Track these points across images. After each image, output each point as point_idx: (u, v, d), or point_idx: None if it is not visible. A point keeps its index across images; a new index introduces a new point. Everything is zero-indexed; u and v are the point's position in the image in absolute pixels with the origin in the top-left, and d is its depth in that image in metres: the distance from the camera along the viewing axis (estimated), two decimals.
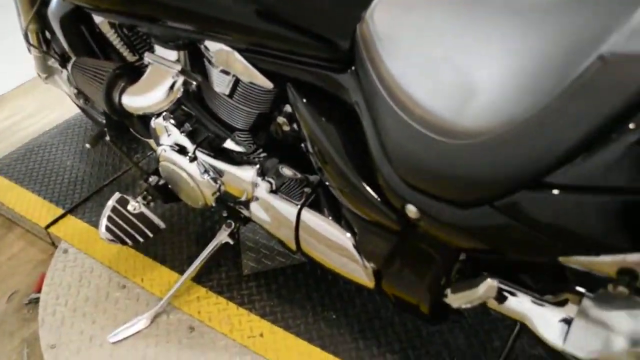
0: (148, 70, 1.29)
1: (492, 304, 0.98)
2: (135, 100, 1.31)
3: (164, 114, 1.35)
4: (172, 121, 1.35)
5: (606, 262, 0.74)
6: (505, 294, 0.95)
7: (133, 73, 1.35)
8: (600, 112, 0.66)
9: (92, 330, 1.43)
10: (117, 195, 1.44)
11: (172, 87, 1.23)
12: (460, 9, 0.90)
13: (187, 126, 1.34)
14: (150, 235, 1.47)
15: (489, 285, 0.92)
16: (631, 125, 0.64)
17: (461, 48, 0.85)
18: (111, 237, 1.42)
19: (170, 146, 1.36)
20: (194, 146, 1.32)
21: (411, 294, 1.05)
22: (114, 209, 1.42)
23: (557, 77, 0.72)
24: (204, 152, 1.31)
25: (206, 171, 1.32)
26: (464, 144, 0.78)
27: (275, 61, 1.04)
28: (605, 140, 0.66)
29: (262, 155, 1.27)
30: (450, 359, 1.29)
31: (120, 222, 1.42)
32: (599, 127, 0.66)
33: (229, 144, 1.29)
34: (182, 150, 1.34)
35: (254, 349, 1.35)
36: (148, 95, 1.28)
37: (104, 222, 1.41)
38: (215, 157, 1.30)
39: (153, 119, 1.38)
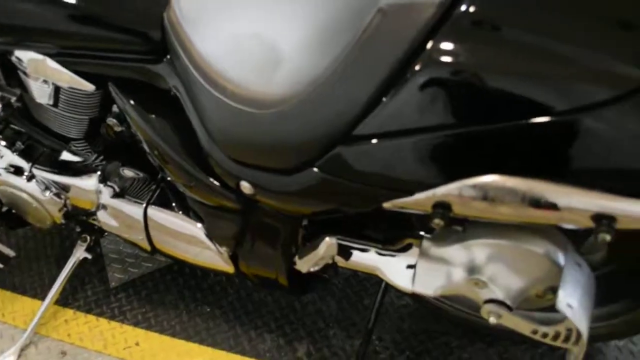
0: None
1: (341, 262, 1.03)
2: None
3: None
4: (2, 142, 1.27)
5: (421, 200, 0.79)
6: (351, 250, 1.01)
7: None
8: (388, 60, 0.71)
9: None
10: None
11: None
12: None
13: (19, 145, 1.27)
14: (1, 265, 1.38)
15: (327, 244, 0.97)
16: (417, 67, 0.70)
17: (262, 19, 0.88)
18: None
19: (5, 168, 1.28)
20: (30, 164, 1.26)
21: (267, 269, 1.08)
22: None
23: (348, 33, 0.77)
24: (41, 169, 1.25)
25: (47, 188, 1.26)
26: (274, 112, 0.81)
27: (90, 62, 1.01)
28: (399, 85, 0.71)
29: (104, 161, 1.23)
30: (325, 326, 1.33)
31: None
32: (391, 74, 0.71)
33: (65, 156, 1.24)
34: (18, 171, 1.27)
35: (132, 359, 1.32)
36: None
37: None
38: (53, 171, 1.25)
39: None
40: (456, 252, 0.96)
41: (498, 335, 1.27)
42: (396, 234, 1.02)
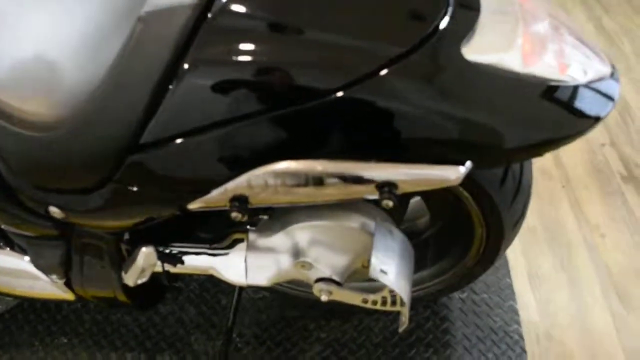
0: None
1: (173, 268, 1.04)
2: None
3: None
4: None
5: (216, 197, 0.82)
6: (177, 255, 1.02)
7: None
8: (157, 65, 0.73)
9: None
10: None
11: None
12: None
13: None
14: None
15: (144, 253, 0.98)
16: (184, 68, 0.72)
17: (34, 34, 0.86)
18: None
19: None
20: None
21: (102, 289, 1.07)
22: None
23: (115, 41, 0.78)
24: None
25: None
26: (58, 133, 0.80)
27: None
28: (171, 88, 0.74)
29: None
30: (186, 333, 1.34)
31: None
32: (162, 78, 0.73)
33: None
34: None
35: None
36: None
37: None
38: None
39: None
40: (279, 240, 1.01)
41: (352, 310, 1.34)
42: (224, 231, 1.05)
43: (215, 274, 1.06)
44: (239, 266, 1.04)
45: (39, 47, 0.85)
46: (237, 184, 0.80)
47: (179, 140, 0.78)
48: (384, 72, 0.71)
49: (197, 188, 0.83)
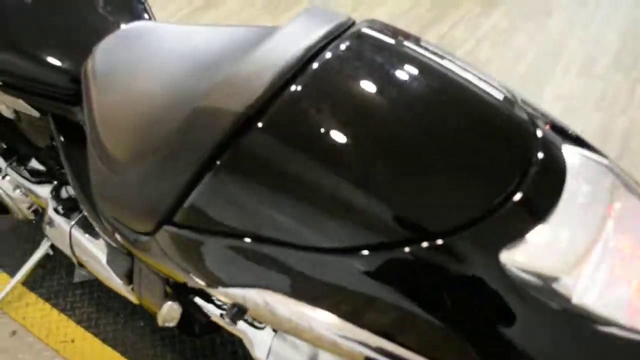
0: None
1: (217, 321, 1.06)
2: None
3: None
4: None
5: (219, 294, 0.81)
6: (209, 315, 1.04)
7: None
8: (198, 156, 0.74)
9: None
10: None
11: None
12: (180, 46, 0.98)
13: (2, 145, 1.44)
14: None
15: (169, 307, 1.01)
16: (213, 171, 0.72)
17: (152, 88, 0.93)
18: None
19: None
20: (6, 164, 1.42)
21: (155, 308, 1.14)
22: None
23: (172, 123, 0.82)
24: (14, 170, 1.41)
25: (17, 187, 1.41)
26: (121, 178, 0.86)
27: (25, 95, 1.13)
28: (204, 183, 0.74)
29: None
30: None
31: None
32: (199, 169, 0.74)
33: (33, 163, 1.39)
34: None
35: (64, 354, 1.45)
36: None
37: None
38: (21, 174, 1.39)
39: None
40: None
41: None
42: None
43: (244, 340, 1.06)
44: (265, 344, 1.03)
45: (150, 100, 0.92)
46: (236, 294, 0.78)
47: (194, 234, 0.77)
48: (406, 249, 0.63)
49: (203, 279, 0.83)
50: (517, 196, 0.64)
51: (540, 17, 2.76)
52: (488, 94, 0.76)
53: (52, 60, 1.07)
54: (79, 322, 1.52)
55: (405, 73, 0.76)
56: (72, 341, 1.48)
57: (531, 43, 2.57)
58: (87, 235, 1.23)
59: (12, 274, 1.66)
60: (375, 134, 0.69)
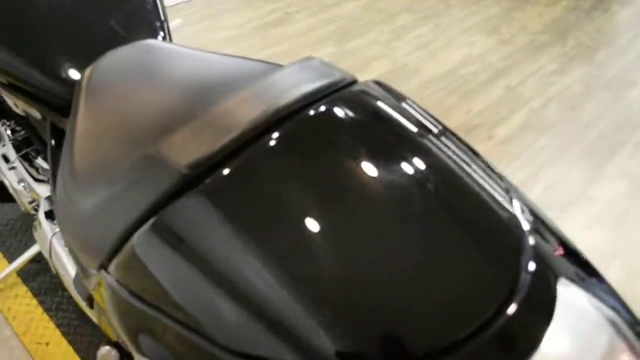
0: None
1: None
2: None
3: (3, 120, 1.44)
4: (8, 131, 1.43)
5: None
6: None
7: None
8: (135, 206, 0.66)
9: None
10: None
11: None
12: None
13: (17, 137, 1.42)
14: None
15: (106, 352, 0.93)
16: (151, 223, 0.64)
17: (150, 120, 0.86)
18: None
19: (2, 153, 1.45)
20: (16, 156, 1.40)
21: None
22: None
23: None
24: (22, 164, 1.39)
25: (22, 181, 1.39)
26: (79, 203, 0.80)
27: (24, 97, 1.09)
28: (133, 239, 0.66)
29: None
30: None
31: None
32: (133, 223, 0.66)
33: (39, 161, 1.36)
34: (6, 158, 1.42)
35: (35, 356, 1.41)
36: None
37: None
38: (26, 169, 1.37)
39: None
40: None
41: None
42: None
43: None
44: None
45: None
46: None
47: (121, 288, 0.69)
48: None
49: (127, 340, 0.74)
50: (489, 333, 0.52)
51: (619, 87, 2.54)
52: (484, 201, 0.63)
53: (53, 68, 1.02)
54: (58, 326, 1.47)
55: (389, 155, 0.64)
56: (47, 344, 1.43)
57: (605, 113, 2.37)
58: (65, 249, 1.17)
59: (11, 261, 1.65)
60: (333, 229, 0.57)
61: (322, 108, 0.67)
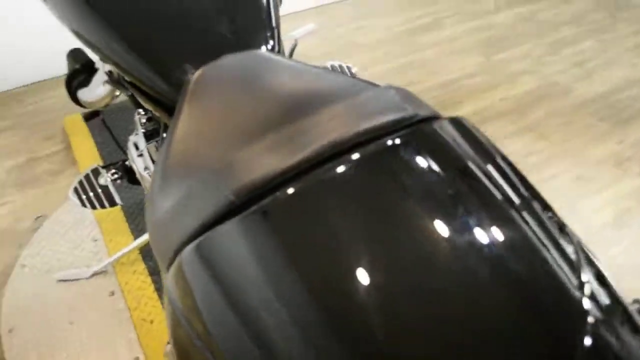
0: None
1: None
2: (82, 94, 1.54)
3: (139, 110, 1.56)
4: (142, 119, 1.56)
5: None
6: None
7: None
8: (192, 218, 0.68)
9: (52, 262, 1.74)
10: (93, 165, 1.70)
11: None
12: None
13: (149, 126, 1.54)
14: (108, 206, 1.71)
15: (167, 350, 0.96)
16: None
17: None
18: (75, 198, 1.70)
19: (134, 140, 1.58)
20: (145, 145, 1.52)
21: None
22: (86, 176, 1.69)
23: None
24: (150, 153, 1.50)
25: (147, 168, 1.50)
26: (160, 202, 0.84)
27: (142, 96, 1.16)
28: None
29: None
30: None
31: (87, 188, 1.68)
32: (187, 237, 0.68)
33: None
34: (136, 146, 1.54)
35: (139, 331, 1.52)
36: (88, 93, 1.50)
37: (74, 184, 1.69)
38: (152, 158, 1.48)
39: (135, 112, 1.60)
40: None
41: None
42: None
43: None
44: None
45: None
46: None
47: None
48: None
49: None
50: None
51: None
52: (549, 272, 0.54)
53: (165, 67, 1.08)
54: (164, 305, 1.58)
55: (455, 210, 0.58)
56: (151, 322, 1.54)
57: None
58: None
59: (137, 238, 1.80)
60: (387, 279, 0.53)
61: (386, 145, 0.63)
